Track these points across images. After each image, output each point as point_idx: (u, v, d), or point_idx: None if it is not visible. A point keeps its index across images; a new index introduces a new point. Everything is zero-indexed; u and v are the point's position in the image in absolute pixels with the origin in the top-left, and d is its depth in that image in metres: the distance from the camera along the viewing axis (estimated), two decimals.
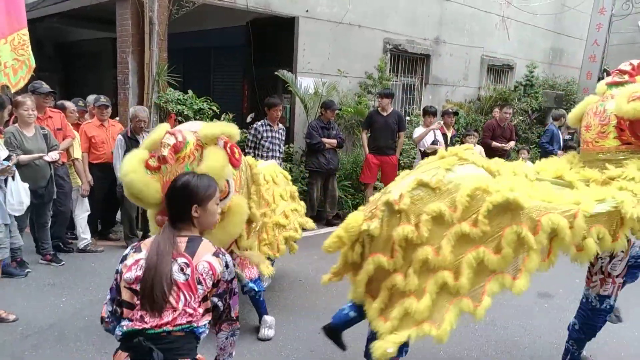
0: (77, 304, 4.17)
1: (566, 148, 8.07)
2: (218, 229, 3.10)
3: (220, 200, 3.11)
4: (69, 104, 5.67)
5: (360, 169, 7.42)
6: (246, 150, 5.81)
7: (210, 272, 1.84)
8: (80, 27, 10.66)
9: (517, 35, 11.66)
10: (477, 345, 3.78)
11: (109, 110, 5.68)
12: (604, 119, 2.91)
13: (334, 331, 3.06)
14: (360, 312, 2.85)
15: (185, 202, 1.90)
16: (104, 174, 5.58)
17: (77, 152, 5.33)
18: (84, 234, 5.45)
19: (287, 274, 5.01)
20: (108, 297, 1.95)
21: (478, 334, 3.96)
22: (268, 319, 3.87)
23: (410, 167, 7.90)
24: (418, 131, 7.00)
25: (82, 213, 5.46)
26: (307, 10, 7.47)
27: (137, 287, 1.80)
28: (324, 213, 6.96)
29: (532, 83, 11.57)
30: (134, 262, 1.85)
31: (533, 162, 8.66)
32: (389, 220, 2.51)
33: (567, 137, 8.62)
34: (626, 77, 3.00)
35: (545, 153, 8.27)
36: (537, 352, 3.74)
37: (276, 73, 7.14)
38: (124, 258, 1.90)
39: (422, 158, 6.96)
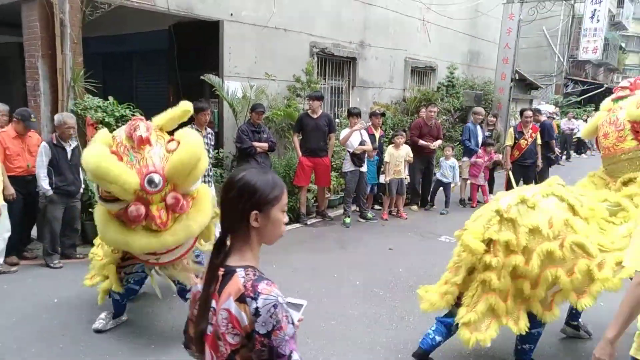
0: None
1: (484, 145, 8.54)
2: (194, 212, 3.22)
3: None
4: None
5: (294, 172, 7.40)
6: None
7: (230, 325, 1.33)
8: None
9: (437, 38, 12.22)
10: (412, 337, 3.84)
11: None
12: (619, 125, 3.49)
13: (425, 356, 3.42)
14: (445, 334, 3.37)
15: (242, 205, 1.41)
16: (18, 187, 5.15)
17: None
18: None
19: None
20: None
21: (413, 327, 4.05)
22: (102, 314, 3.86)
23: (341, 168, 8.01)
24: (344, 133, 7.10)
25: (1, 234, 4.96)
26: (231, 14, 7.37)
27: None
28: None
29: (453, 84, 12.16)
30: (197, 292, 1.49)
31: (458, 159, 9.11)
32: (499, 225, 3.05)
33: (487, 133, 9.12)
34: (627, 91, 3.65)
35: (468, 150, 8.70)
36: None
37: (202, 77, 6.97)
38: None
39: (352, 160, 7.08)
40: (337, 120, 8.90)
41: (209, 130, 6.05)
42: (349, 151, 7.09)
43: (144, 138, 3.01)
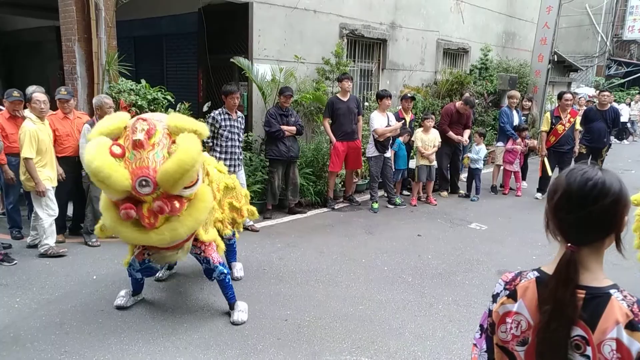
0: (33, 304, 3.99)
1: (518, 130, 8.27)
2: (185, 216, 3.19)
3: (189, 187, 3.12)
4: (37, 95, 4.98)
5: (322, 156, 7.39)
6: (205, 141, 5.64)
7: (618, 357, 1.14)
8: (20, 15, 10.10)
9: (471, 19, 11.87)
10: (441, 324, 3.86)
11: (72, 102, 5.43)
12: None
13: None
14: None
15: (620, 212, 1.20)
16: (69, 167, 5.35)
17: (25, 151, 4.81)
18: (47, 239, 5.03)
19: (251, 263, 4.96)
20: (477, 335, 1.46)
21: (442, 314, 4.04)
22: (241, 304, 3.92)
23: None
24: (376, 119, 6.97)
25: (47, 217, 5.04)
26: None
27: (512, 348, 1.30)
28: (285, 201, 6.91)
29: (486, 66, 11.82)
30: (507, 313, 1.32)
31: (490, 143, 8.85)
32: None
33: (522, 118, 8.85)
34: None
35: (503, 135, 8.43)
36: None
37: (232, 60, 6.98)
38: (495, 298, 1.37)
39: (376, 145, 7.03)
40: (365, 103, 8.80)
41: (239, 113, 6.08)
42: (374, 136, 7.03)
43: (137, 141, 2.95)
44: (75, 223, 5.77)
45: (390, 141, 7.14)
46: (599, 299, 1.18)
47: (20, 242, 5.42)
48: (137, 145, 2.96)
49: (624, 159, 11.94)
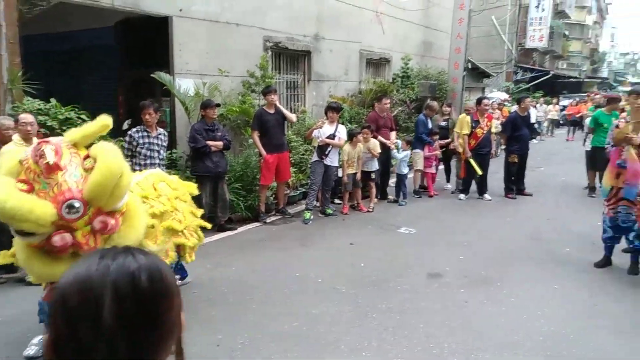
0: None
1: (431, 134, 8.64)
2: (126, 229, 2.94)
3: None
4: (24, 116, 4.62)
5: (252, 170, 7.28)
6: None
7: None
8: None
9: (391, 29, 12.30)
10: (376, 333, 3.88)
11: None
12: None
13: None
14: None
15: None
16: None
17: None
18: None
19: (180, 287, 4.74)
20: None
21: (376, 322, 4.07)
22: (35, 340, 3.51)
23: (300, 164, 7.94)
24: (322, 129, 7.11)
25: None
26: (180, 10, 7.12)
27: None
28: (215, 219, 6.71)
29: (408, 75, 12.29)
30: None
31: (414, 148, 9.15)
32: None
33: (443, 123, 9.24)
34: None
35: (420, 141, 8.73)
36: (432, 332, 3.93)
37: (152, 75, 6.72)
38: None
39: (317, 151, 7.14)
40: (294, 114, 8.82)
41: (160, 130, 5.84)
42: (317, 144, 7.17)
43: (52, 165, 2.65)
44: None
45: (329, 149, 7.16)
46: None
47: None
48: (53, 168, 2.64)
49: (534, 157, 12.80)
